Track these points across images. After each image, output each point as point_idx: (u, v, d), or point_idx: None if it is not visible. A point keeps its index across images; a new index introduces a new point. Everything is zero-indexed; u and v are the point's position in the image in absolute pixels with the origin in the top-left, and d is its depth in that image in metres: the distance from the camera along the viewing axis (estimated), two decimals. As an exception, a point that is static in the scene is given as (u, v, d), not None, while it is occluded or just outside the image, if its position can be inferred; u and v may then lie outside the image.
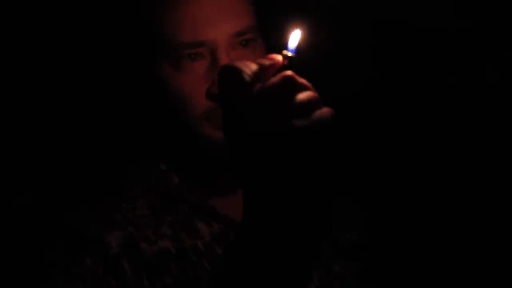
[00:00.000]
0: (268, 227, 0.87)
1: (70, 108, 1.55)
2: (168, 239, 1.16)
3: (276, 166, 0.85)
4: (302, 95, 0.84)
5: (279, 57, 0.92)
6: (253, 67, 0.87)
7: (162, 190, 1.22)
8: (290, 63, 0.93)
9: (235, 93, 0.86)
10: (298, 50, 0.95)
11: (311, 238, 0.88)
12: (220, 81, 0.87)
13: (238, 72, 0.86)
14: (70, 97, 1.55)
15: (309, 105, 0.84)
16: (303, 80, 0.87)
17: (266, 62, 0.89)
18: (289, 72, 0.86)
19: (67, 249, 1.11)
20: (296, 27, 0.96)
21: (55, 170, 1.53)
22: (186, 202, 1.21)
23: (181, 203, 1.21)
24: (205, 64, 1.15)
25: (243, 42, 1.17)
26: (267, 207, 0.87)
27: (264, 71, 0.89)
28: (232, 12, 1.16)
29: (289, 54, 0.94)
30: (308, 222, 0.87)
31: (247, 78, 0.85)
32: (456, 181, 1.45)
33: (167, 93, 1.16)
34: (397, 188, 1.44)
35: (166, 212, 1.20)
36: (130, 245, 1.14)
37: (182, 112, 1.16)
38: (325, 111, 0.84)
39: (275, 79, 0.85)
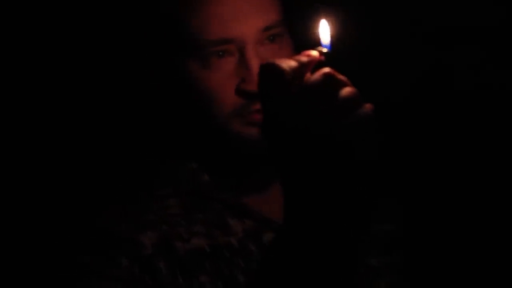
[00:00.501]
0: (310, 225, 0.87)
1: (101, 108, 1.55)
2: (201, 236, 1.16)
3: (318, 164, 0.84)
4: (345, 92, 0.84)
5: (316, 54, 0.91)
6: (293, 64, 0.86)
7: (193, 189, 1.21)
8: (326, 59, 0.93)
9: (276, 91, 0.85)
10: (332, 45, 0.94)
11: (352, 235, 0.87)
12: (260, 79, 0.87)
13: (279, 70, 0.85)
14: (100, 98, 1.55)
15: (352, 101, 0.84)
16: (342, 77, 0.87)
17: (304, 59, 0.89)
18: (329, 69, 0.86)
19: (103, 251, 1.11)
20: (323, 19, 0.95)
21: (86, 171, 1.53)
22: (218, 200, 1.20)
23: (212, 200, 1.20)
24: (233, 61, 1.14)
25: (271, 37, 1.16)
26: (309, 205, 0.87)
27: (302, 68, 0.88)
28: (260, 7, 1.14)
29: (324, 50, 0.93)
30: (350, 219, 0.87)
31: (288, 76, 0.85)
32: (499, 180, 1.45)
33: (196, 91, 1.15)
34: (434, 183, 1.44)
35: (197, 210, 1.19)
36: (165, 244, 1.13)
37: (212, 109, 1.15)
38: (368, 107, 0.84)
39: (316, 76, 0.85)
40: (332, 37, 0.95)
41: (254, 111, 1.13)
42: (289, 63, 0.86)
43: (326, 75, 0.85)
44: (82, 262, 1.10)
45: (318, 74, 0.85)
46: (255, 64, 1.12)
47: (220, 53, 1.14)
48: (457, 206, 1.45)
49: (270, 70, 0.86)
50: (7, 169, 1.56)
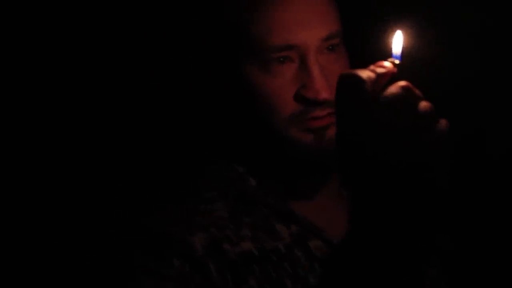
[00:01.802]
0: (374, 235, 0.87)
1: (150, 110, 1.55)
2: (248, 240, 1.16)
3: (390, 177, 0.85)
4: (424, 106, 0.85)
5: (390, 65, 0.91)
6: (372, 75, 0.87)
7: (239, 193, 1.21)
8: (398, 70, 0.93)
9: (355, 101, 0.85)
10: (403, 56, 0.94)
11: (416, 250, 0.88)
12: (339, 88, 0.87)
13: (359, 80, 0.85)
14: (150, 100, 1.56)
15: (431, 116, 0.84)
16: (417, 90, 0.87)
17: (381, 70, 0.89)
18: (406, 82, 0.86)
19: (155, 250, 1.11)
20: (397, 31, 0.95)
21: (136, 173, 1.54)
22: (264, 205, 1.20)
23: (258, 205, 1.20)
24: (293, 67, 1.15)
25: (330, 47, 1.17)
26: (376, 216, 0.87)
27: (378, 79, 0.88)
28: (323, 16, 1.15)
29: (396, 61, 0.93)
30: (416, 234, 0.87)
31: (368, 86, 0.85)
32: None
33: (255, 96, 1.16)
34: (477, 193, 1.44)
35: (244, 214, 1.19)
36: (214, 246, 1.13)
37: (269, 114, 1.15)
38: (445, 123, 0.85)
39: (394, 89, 0.86)
40: (403, 48, 0.95)
41: (311, 118, 1.14)
42: (368, 74, 0.87)
43: (404, 88, 0.85)
44: (135, 261, 1.10)
45: (396, 87, 0.86)
46: (316, 72, 1.13)
47: (281, 59, 1.14)
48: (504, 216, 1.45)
49: (350, 80, 0.86)
50: (62, 171, 1.58)
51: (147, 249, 1.11)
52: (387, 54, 0.95)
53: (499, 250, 1.40)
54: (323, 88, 1.12)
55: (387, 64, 0.92)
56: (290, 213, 1.20)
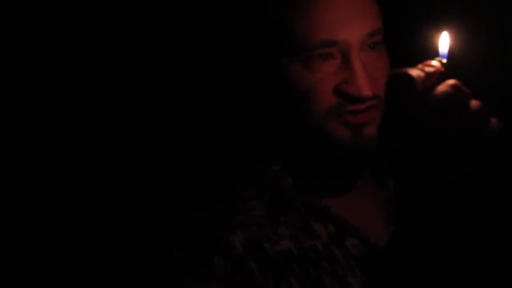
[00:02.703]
0: (421, 237, 0.87)
1: (193, 109, 1.56)
2: (287, 239, 1.16)
3: (439, 175, 0.84)
4: (475, 105, 0.84)
5: (437, 64, 0.91)
6: (421, 74, 0.87)
7: (276, 191, 1.21)
8: (446, 69, 0.92)
9: (406, 100, 0.85)
10: (449, 55, 0.94)
11: (460, 255, 0.88)
12: (389, 87, 0.87)
13: (410, 79, 0.85)
14: (187, 100, 1.56)
15: (482, 114, 0.84)
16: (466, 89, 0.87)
17: (430, 69, 0.89)
18: (456, 81, 0.86)
19: (197, 249, 1.11)
20: (444, 30, 0.95)
21: (174, 174, 1.55)
22: (301, 203, 1.20)
23: (295, 203, 1.20)
24: (335, 64, 1.14)
25: (371, 45, 1.16)
26: (422, 214, 0.87)
27: (427, 78, 0.88)
28: (365, 13, 1.15)
29: (444, 60, 0.93)
30: (461, 238, 0.87)
31: (418, 85, 0.85)
32: None
33: (294, 91, 1.16)
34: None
35: (281, 213, 1.19)
36: (254, 245, 1.13)
37: (308, 108, 1.15)
38: (496, 122, 0.84)
39: (445, 87, 0.86)
40: (450, 48, 0.94)
41: (349, 111, 1.14)
42: (418, 72, 0.87)
43: (454, 86, 0.85)
44: (177, 260, 1.11)
45: (446, 85, 0.86)
46: (359, 68, 1.12)
47: (324, 56, 1.14)
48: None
49: (400, 78, 0.86)
50: (106, 170, 1.59)
51: (190, 248, 1.11)
52: (433, 53, 0.95)
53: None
54: (366, 85, 1.12)
55: (435, 63, 0.91)
56: (326, 211, 1.20)
